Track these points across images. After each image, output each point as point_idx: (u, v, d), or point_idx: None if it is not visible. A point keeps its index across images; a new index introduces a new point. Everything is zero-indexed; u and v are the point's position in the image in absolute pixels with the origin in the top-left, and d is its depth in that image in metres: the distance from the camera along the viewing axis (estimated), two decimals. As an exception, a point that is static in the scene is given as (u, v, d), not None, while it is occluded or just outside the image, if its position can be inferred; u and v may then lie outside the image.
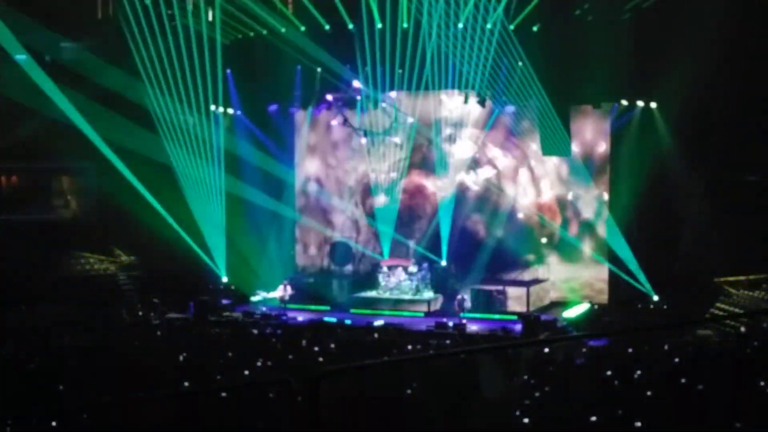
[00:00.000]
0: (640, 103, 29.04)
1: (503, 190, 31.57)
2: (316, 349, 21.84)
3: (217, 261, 31.66)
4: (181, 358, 20.31)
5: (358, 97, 31.17)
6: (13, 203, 33.37)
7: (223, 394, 14.81)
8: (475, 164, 31.81)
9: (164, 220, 30.53)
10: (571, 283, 30.65)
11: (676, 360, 19.35)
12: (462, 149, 31.80)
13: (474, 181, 31.79)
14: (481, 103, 30.29)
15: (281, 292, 29.44)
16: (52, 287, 30.00)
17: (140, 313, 28.25)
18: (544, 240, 31.11)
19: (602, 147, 30.45)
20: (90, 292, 30.80)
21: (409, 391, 15.93)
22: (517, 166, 31.64)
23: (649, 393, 15.56)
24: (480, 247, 31.10)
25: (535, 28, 28.94)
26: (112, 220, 31.38)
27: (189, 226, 30.91)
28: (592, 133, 30.54)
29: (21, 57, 29.50)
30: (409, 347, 22.68)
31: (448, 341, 24.36)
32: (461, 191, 31.73)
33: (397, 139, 31.83)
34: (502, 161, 31.76)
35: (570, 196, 30.94)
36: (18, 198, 33.68)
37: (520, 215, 31.39)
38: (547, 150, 29.90)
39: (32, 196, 33.80)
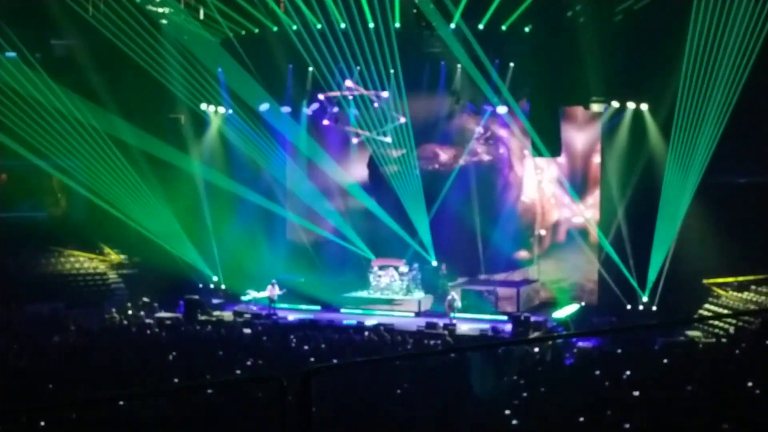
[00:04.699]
0: (631, 105, 29.08)
1: (495, 189, 31.64)
2: (306, 348, 21.86)
3: (208, 260, 31.61)
4: (171, 357, 20.29)
5: (350, 97, 31.14)
6: (2, 201, 33.23)
7: (215, 393, 14.80)
8: (467, 163, 31.85)
9: (154, 220, 30.52)
10: (561, 283, 30.69)
11: (665, 360, 19.41)
12: (453, 150, 31.86)
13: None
14: (472, 102, 30.35)
15: (270, 291, 29.43)
16: (42, 286, 29.93)
17: (130, 312, 28.19)
18: (534, 240, 31.18)
19: (593, 148, 30.49)
20: (80, 290, 30.76)
21: (399, 391, 15.95)
22: (508, 167, 31.67)
23: (637, 393, 15.60)
24: (471, 248, 31.12)
25: (526, 29, 28.97)
26: (102, 218, 31.27)
27: (179, 225, 30.88)
28: (582, 134, 30.59)
29: (11, 54, 29.47)
30: (400, 348, 22.72)
31: (438, 342, 24.39)
32: (452, 189, 31.70)
33: (388, 139, 31.84)
34: (493, 160, 31.82)
35: (561, 197, 30.98)
36: (7, 196, 33.54)
37: (511, 216, 31.42)
38: (538, 150, 29.94)
39: (22, 194, 33.67)
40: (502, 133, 31.67)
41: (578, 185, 30.71)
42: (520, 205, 31.60)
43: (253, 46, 31.07)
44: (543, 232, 31.36)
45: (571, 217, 30.92)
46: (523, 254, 31.35)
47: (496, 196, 31.76)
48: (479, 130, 31.79)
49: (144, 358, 20.04)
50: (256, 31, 31.12)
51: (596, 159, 30.37)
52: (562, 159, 30.57)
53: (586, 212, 30.59)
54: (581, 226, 30.68)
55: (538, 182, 31.35)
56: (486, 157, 31.87)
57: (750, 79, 25.63)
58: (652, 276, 28.01)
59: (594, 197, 30.49)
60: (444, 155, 32.12)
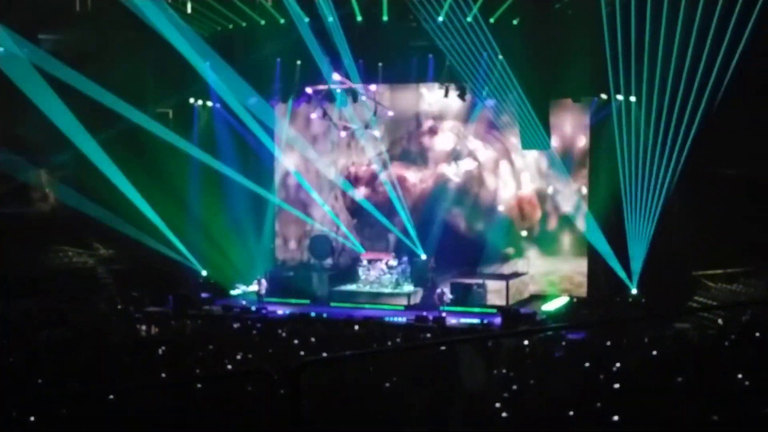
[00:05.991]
0: (619, 97, 29.09)
1: (484, 183, 31.64)
2: (296, 342, 21.82)
3: (196, 255, 31.55)
4: (160, 351, 20.24)
5: (338, 90, 31.09)
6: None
7: (204, 387, 14.75)
8: (455, 157, 31.84)
9: (143, 214, 30.43)
10: (550, 276, 30.73)
11: (655, 353, 19.42)
12: (442, 142, 31.85)
13: (455, 173, 31.82)
14: (461, 96, 30.31)
15: (257, 286, 29.45)
16: (31, 281, 29.79)
17: (119, 307, 28.10)
18: (524, 233, 31.20)
19: (581, 141, 30.53)
20: (68, 285, 30.61)
21: (388, 384, 15.93)
22: (497, 160, 31.68)
23: (628, 386, 15.61)
24: (460, 241, 31.13)
25: (515, 22, 28.94)
26: (91, 213, 31.14)
27: (168, 220, 30.79)
28: (571, 127, 30.62)
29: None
30: (389, 342, 22.68)
31: (428, 335, 24.39)
32: (442, 183, 31.77)
33: (376, 132, 31.81)
34: (483, 154, 31.80)
35: (549, 190, 31.02)
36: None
37: (501, 208, 31.45)
38: (527, 144, 29.91)
39: (10, 189, 33.51)
40: (490, 131, 31.60)
41: (567, 177, 30.68)
42: (510, 201, 31.56)
43: (240, 40, 30.98)
44: (531, 228, 31.35)
45: (560, 210, 30.93)
46: (512, 249, 31.35)
47: (485, 193, 31.73)
48: (465, 131, 31.80)
49: (133, 353, 19.98)
50: (244, 24, 31.03)
51: (585, 151, 30.39)
52: (550, 152, 30.55)
53: (575, 204, 30.59)
54: (570, 218, 30.69)
55: (528, 175, 31.32)
56: (478, 149, 31.80)
57: (737, 70, 25.67)
58: (640, 268, 28.07)
59: (582, 189, 30.50)
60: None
